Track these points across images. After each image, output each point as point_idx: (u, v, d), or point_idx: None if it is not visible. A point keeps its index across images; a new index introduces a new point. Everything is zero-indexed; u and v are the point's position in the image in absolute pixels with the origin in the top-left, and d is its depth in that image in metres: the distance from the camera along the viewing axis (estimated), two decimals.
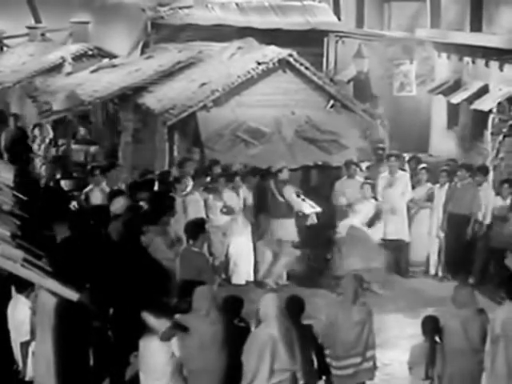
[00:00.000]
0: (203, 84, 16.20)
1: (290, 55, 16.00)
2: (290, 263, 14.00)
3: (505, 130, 16.34)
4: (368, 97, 19.47)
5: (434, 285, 14.01)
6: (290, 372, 8.19)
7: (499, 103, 16.43)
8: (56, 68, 21.69)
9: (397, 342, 11.20)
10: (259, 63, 15.88)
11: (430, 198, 14.37)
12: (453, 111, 19.76)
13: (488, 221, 13.81)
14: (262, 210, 13.92)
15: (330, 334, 8.82)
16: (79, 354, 8.25)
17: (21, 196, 10.07)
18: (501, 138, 16.38)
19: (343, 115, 16.20)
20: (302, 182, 15.17)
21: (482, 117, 17.34)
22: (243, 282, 13.86)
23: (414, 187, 14.51)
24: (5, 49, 25.94)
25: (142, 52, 20.93)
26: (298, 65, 16.04)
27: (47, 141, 18.56)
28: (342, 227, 13.67)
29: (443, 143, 19.90)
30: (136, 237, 10.13)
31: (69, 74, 20.88)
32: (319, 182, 15.24)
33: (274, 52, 16.20)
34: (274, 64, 15.91)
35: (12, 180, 11.41)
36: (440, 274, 14.36)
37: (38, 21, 26.68)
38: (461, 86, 18.75)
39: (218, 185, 13.69)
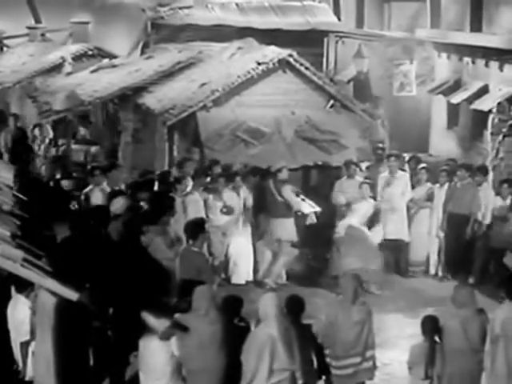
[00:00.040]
0: (203, 84, 16.21)
1: (290, 55, 16.01)
2: (289, 262, 14.01)
3: (504, 130, 16.34)
4: (368, 97, 19.48)
5: (433, 285, 14.02)
6: (289, 372, 8.19)
7: (499, 103, 16.43)
8: (56, 68, 21.71)
9: (396, 342, 11.21)
10: (259, 63, 15.89)
11: (429, 197, 14.38)
12: (453, 111, 19.76)
13: (487, 221, 13.82)
14: (262, 209, 13.92)
15: (330, 333, 8.82)
16: (79, 354, 8.25)
17: (21, 196, 10.07)
18: (500, 138, 16.38)
19: (343, 115, 16.21)
20: (302, 181, 15.18)
21: (481, 117, 17.34)
22: (243, 282, 13.87)
23: (413, 187, 14.51)
24: (5, 49, 25.97)
25: (142, 52, 20.95)
26: (297, 65, 16.05)
27: (47, 141, 18.57)
28: (341, 227, 13.68)
29: (443, 143, 19.90)
30: (136, 237, 10.14)
31: (69, 74, 20.90)
32: (319, 181, 15.23)
33: (273, 52, 16.20)
34: (273, 64, 15.91)
35: (12, 180, 11.43)
36: (440, 273, 14.36)
37: (37, 21, 26.70)
38: (461, 86, 18.75)
39: (217, 185, 13.70)
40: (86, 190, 13.60)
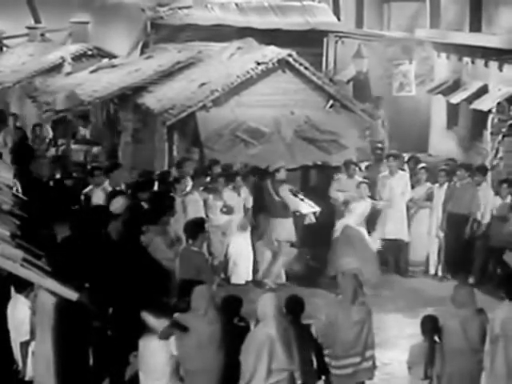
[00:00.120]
0: (203, 84, 16.21)
1: (290, 55, 16.00)
2: (288, 262, 14.01)
3: (504, 129, 16.36)
4: (367, 97, 19.49)
5: (433, 284, 14.02)
6: (288, 372, 8.19)
7: (498, 103, 16.46)
8: (56, 68, 21.72)
9: (396, 342, 11.22)
10: (259, 63, 15.88)
11: (429, 197, 14.38)
12: (452, 111, 19.78)
13: (487, 220, 13.82)
14: (261, 210, 13.93)
15: (330, 333, 8.82)
16: (79, 354, 8.25)
17: (21, 196, 10.08)
18: (500, 137, 16.40)
19: (342, 115, 16.20)
20: (302, 181, 15.17)
21: (481, 117, 17.36)
22: (242, 282, 13.87)
23: (413, 187, 14.52)
24: (4, 49, 25.98)
25: (142, 52, 20.94)
26: (297, 65, 16.04)
27: (47, 141, 18.56)
28: (339, 227, 13.67)
29: (443, 143, 19.92)
30: (136, 236, 10.15)
31: (68, 74, 20.91)
32: (318, 181, 15.23)
33: (273, 52, 16.20)
34: (273, 64, 15.91)
35: (12, 180, 11.43)
36: (440, 273, 14.36)
37: (37, 21, 26.71)
38: (460, 86, 18.78)
39: (217, 185, 13.70)
40: (86, 190, 13.59)
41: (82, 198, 13.51)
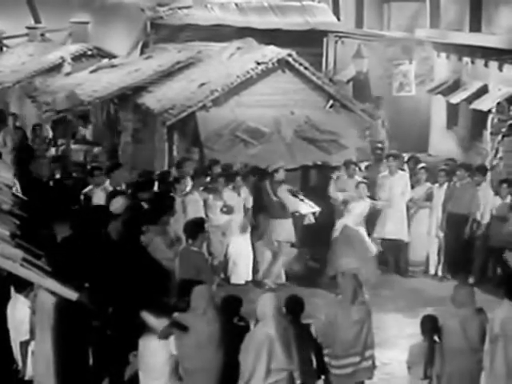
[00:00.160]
0: (202, 84, 16.21)
1: (290, 55, 16.01)
2: (288, 262, 14.01)
3: (504, 129, 16.38)
4: (367, 97, 19.50)
5: (433, 284, 14.02)
6: (287, 372, 8.20)
7: (498, 103, 16.48)
8: (55, 68, 21.74)
9: (396, 342, 11.22)
10: (258, 63, 15.88)
11: (429, 197, 14.38)
12: (452, 111, 19.81)
13: (486, 220, 13.83)
14: (261, 210, 13.93)
15: (329, 333, 8.82)
16: (79, 354, 8.25)
17: (20, 196, 10.08)
18: (500, 137, 16.42)
19: (342, 115, 16.21)
20: (302, 181, 15.17)
21: (481, 117, 17.38)
22: (242, 282, 13.87)
23: (413, 187, 14.52)
24: (4, 49, 26.01)
25: (142, 52, 20.96)
26: (297, 65, 16.05)
27: (47, 141, 18.56)
28: (338, 227, 13.67)
29: (442, 143, 19.94)
30: (135, 236, 10.15)
31: (68, 74, 20.92)
32: (318, 181, 15.23)
33: (273, 52, 16.20)
34: (273, 64, 15.91)
35: (12, 180, 11.43)
36: (439, 273, 14.36)
37: (37, 21, 26.74)
38: (460, 86, 18.80)
39: (217, 184, 13.70)
40: (86, 189, 13.60)
41: (82, 197, 13.51)
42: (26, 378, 8.82)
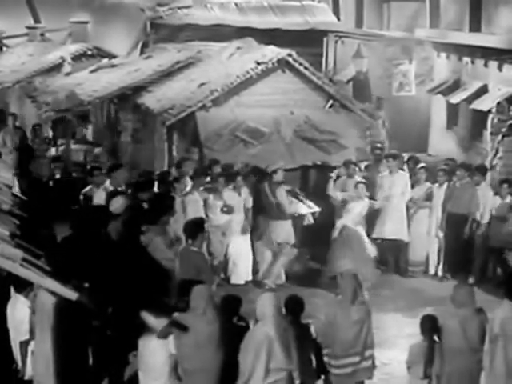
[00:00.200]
0: (202, 84, 16.21)
1: (289, 55, 16.01)
2: (288, 262, 14.01)
3: (504, 129, 16.38)
4: (367, 97, 19.50)
5: (433, 284, 14.02)
6: (286, 371, 8.20)
7: (498, 103, 16.48)
8: (55, 68, 21.75)
9: (395, 342, 11.22)
10: (258, 63, 15.89)
11: (428, 197, 14.37)
12: (452, 111, 19.81)
13: (486, 220, 13.83)
14: (260, 211, 13.92)
15: (329, 333, 8.82)
16: (78, 354, 8.25)
17: (20, 196, 10.08)
18: (500, 137, 16.42)
19: (342, 115, 16.22)
20: (301, 181, 15.18)
21: (481, 117, 17.38)
22: (242, 282, 13.86)
23: (412, 187, 14.51)
24: (4, 49, 26.01)
25: (142, 52, 20.96)
26: (297, 65, 16.05)
27: (47, 141, 18.57)
28: (337, 227, 13.66)
29: (442, 143, 19.94)
30: (135, 236, 10.14)
31: (68, 73, 20.92)
32: (318, 181, 15.23)
33: (273, 52, 16.21)
34: (273, 64, 15.92)
35: (11, 180, 11.43)
36: (439, 273, 14.36)
37: (37, 21, 26.74)
38: (460, 86, 18.80)
39: (217, 184, 13.69)
40: (86, 189, 13.60)
41: (82, 197, 13.51)
42: (26, 377, 8.82)
